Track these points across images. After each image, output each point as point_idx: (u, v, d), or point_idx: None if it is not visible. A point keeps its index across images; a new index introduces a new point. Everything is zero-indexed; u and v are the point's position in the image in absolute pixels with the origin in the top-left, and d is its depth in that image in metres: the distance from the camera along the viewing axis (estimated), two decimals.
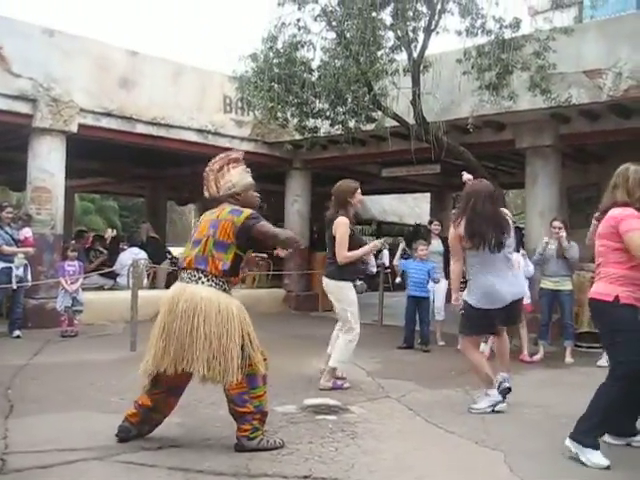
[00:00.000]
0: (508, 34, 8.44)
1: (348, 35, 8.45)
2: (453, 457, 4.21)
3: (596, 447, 4.05)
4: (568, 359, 7.73)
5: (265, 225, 4.14)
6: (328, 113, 9.27)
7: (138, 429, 4.22)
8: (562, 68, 8.37)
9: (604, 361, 7.11)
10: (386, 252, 15.59)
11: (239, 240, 4.06)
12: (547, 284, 8.05)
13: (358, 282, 6.17)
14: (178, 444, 4.20)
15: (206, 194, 4.36)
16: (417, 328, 8.62)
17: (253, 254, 4.47)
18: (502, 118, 9.52)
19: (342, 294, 5.98)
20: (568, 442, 4.14)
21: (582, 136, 9.61)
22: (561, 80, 8.46)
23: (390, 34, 8.76)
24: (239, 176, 4.30)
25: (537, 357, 7.99)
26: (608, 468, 3.95)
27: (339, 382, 6.00)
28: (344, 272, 5.96)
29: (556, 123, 9.45)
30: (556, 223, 7.86)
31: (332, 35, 8.85)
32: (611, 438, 4.46)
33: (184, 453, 4.04)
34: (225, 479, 3.66)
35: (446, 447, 4.42)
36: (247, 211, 4.15)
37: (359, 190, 6.14)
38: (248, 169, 4.41)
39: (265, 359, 4.14)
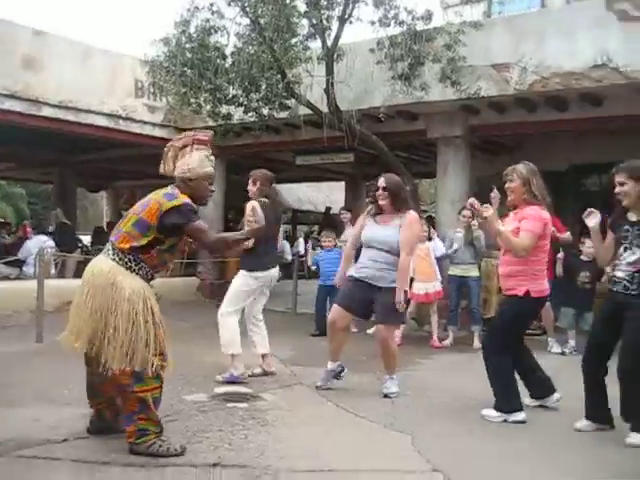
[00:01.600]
0: (420, 26, 8.59)
1: (262, 21, 8.38)
2: (362, 441, 4.28)
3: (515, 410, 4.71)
4: (476, 344, 7.97)
5: (193, 220, 3.90)
6: (242, 100, 9.18)
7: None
8: (472, 61, 8.57)
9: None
10: (301, 240, 15.67)
11: (160, 225, 3.84)
12: (455, 271, 8.30)
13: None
14: (85, 436, 4.08)
15: (161, 169, 4.16)
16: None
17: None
18: (414, 108, 9.68)
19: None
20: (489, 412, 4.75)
21: (490, 127, 9.90)
22: (471, 73, 8.66)
23: (304, 22, 8.76)
24: (199, 162, 4.05)
25: (446, 342, 8.23)
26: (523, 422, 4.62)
27: (236, 374, 5.77)
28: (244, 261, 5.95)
29: (466, 114, 9.70)
30: (466, 212, 8.07)
31: (246, 21, 8.76)
32: (529, 400, 5.06)
33: (91, 445, 3.94)
34: (133, 470, 3.60)
35: (355, 432, 4.48)
36: (180, 199, 3.89)
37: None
38: (212, 157, 4.18)
39: (162, 353, 3.81)
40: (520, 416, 4.71)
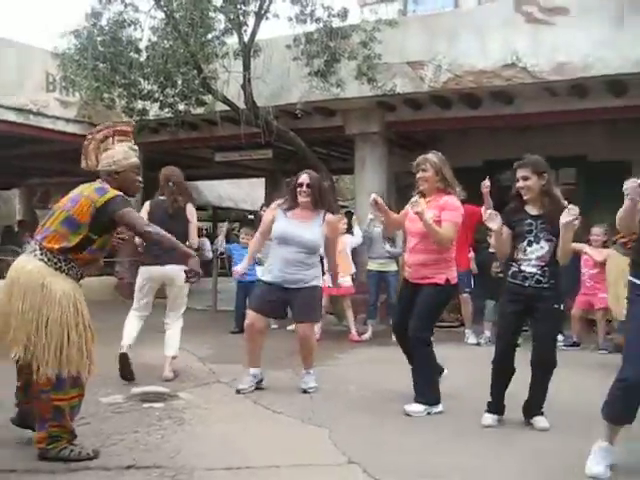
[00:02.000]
0: (336, 23, 8.66)
1: (177, 15, 8.26)
2: (280, 437, 4.28)
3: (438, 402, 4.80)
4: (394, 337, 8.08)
5: (129, 213, 3.77)
6: (157, 95, 9.03)
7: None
8: (387, 58, 8.70)
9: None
10: (221, 237, 15.50)
11: (95, 222, 3.70)
12: (373, 266, 8.42)
13: None
14: None
15: (83, 164, 4.00)
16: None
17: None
18: (331, 105, 9.75)
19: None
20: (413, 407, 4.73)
21: (406, 124, 10.08)
22: (386, 70, 8.79)
23: (221, 17, 8.68)
24: (123, 154, 3.92)
25: (366, 336, 8.32)
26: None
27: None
28: None
29: (382, 111, 9.84)
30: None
31: (161, 15, 8.62)
32: None
33: None
34: (41, 477, 3.48)
35: (273, 427, 4.48)
36: (111, 193, 3.75)
37: None
38: (136, 147, 4.07)
39: (89, 360, 3.69)
40: (440, 407, 4.81)
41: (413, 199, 4.80)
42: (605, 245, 7.50)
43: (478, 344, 7.94)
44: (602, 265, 7.38)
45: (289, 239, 5.30)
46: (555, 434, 4.31)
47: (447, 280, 4.85)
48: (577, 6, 8.04)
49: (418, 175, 4.99)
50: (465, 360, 6.74)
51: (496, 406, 4.59)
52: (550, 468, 3.72)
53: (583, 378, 5.95)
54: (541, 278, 4.39)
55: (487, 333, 7.97)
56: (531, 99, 8.98)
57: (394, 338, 5.31)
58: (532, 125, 10.05)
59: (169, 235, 3.97)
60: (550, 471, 3.69)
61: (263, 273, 5.57)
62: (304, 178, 5.36)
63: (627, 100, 8.63)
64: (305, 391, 5.38)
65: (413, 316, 4.85)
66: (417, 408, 4.76)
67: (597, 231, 7.63)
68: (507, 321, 4.55)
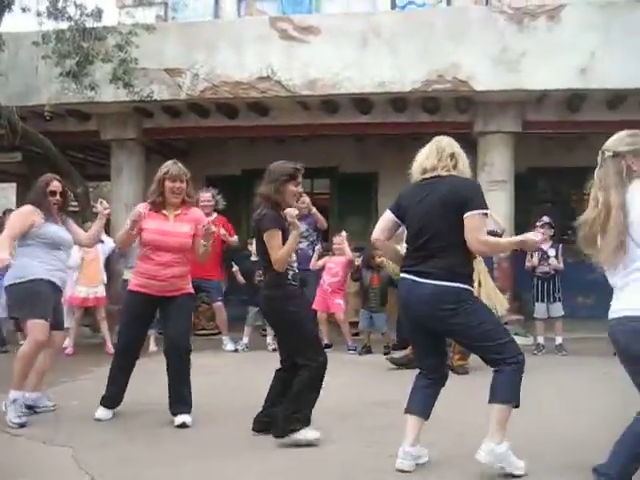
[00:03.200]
0: (90, 23, 8.30)
1: None
2: (21, 461, 3.99)
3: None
4: (152, 347, 7.83)
5: None
6: None
7: None
8: (145, 64, 8.51)
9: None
10: None
11: None
12: (129, 275, 8.10)
13: None
14: None
15: None
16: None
17: None
18: (86, 108, 9.33)
19: None
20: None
21: (165, 131, 9.95)
22: (144, 75, 8.60)
23: None
24: None
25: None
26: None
27: None
28: None
29: (140, 117, 9.63)
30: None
31: None
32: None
33: None
34: None
35: (14, 451, 4.17)
36: None
37: None
38: None
39: None
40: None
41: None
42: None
43: (236, 350, 8.04)
44: (344, 273, 7.93)
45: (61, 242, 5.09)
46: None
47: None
48: (327, 27, 8.53)
49: (176, 185, 4.88)
50: (225, 366, 6.84)
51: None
52: None
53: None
54: None
55: (245, 340, 8.10)
56: (286, 111, 9.34)
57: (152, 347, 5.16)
58: (288, 136, 10.45)
59: None
60: None
61: None
62: (56, 185, 5.09)
63: (372, 117, 9.33)
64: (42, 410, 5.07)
65: (176, 327, 4.81)
66: (188, 419, 4.71)
67: (337, 240, 8.11)
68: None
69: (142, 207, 4.84)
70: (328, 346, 8.02)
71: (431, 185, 3.74)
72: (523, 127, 9.04)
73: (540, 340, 7.87)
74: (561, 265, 7.85)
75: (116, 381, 4.93)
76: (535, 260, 7.89)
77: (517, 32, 8.27)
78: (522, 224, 9.64)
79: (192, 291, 5.00)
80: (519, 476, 3.60)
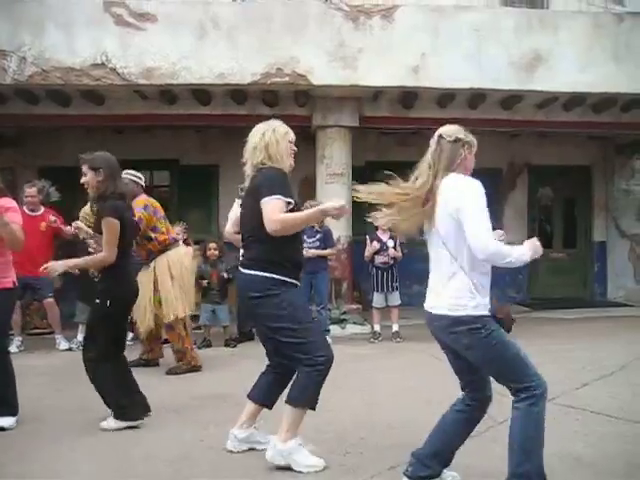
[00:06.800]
0: None
1: None
2: None
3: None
4: None
5: None
6: None
7: None
8: None
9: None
10: None
11: None
12: None
13: None
14: None
15: None
16: None
17: None
18: None
19: None
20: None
21: None
22: None
23: None
24: None
25: None
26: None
27: None
28: None
29: None
30: None
31: None
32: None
33: None
34: None
35: None
36: None
37: None
38: None
39: None
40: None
41: None
42: (187, 242, 7.85)
43: (70, 349, 7.67)
44: None
45: None
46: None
47: (14, 283, 4.62)
48: (164, 15, 8.30)
49: None
50: (57, 368, 6.51)
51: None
52: None
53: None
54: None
55: (79, 337, 7.74)
56: (123, 101, 9.02)
57: None
58: (127, 127, 10.11)
59: None
60: None
61: None
62: None
63: (212, 108, 9.24)
64: None
65: None
66: (9, 421, 4.50)
67: (176, 230, 7.86)
68: None
69: None
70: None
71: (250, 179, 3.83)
72: (360, 122, 9.33)
73: (377, 328, 8.16)
74: (400, 254, 8.16)
75: None
76: (374, 247, 8.12)
77: (353, 29, 8.50)
78: (359, 215, 9.98)
79: (9, 286, 4.57)
80: (306, 473, 3.62)
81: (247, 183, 3.83)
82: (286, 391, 3.75)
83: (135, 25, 8.26)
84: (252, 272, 3.64)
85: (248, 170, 3.82)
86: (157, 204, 6.45)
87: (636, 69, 8.72)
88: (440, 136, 3.23)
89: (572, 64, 8.67)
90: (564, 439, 3.98)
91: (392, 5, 8.72)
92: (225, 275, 7.74)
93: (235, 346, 7.57)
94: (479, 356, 3.08)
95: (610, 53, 8.76)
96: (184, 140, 10.80)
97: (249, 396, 3.94)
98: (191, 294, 6.55)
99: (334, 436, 4.21)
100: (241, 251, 4.06)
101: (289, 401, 3.63)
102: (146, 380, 4.96)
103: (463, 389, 3.29)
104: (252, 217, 3.68)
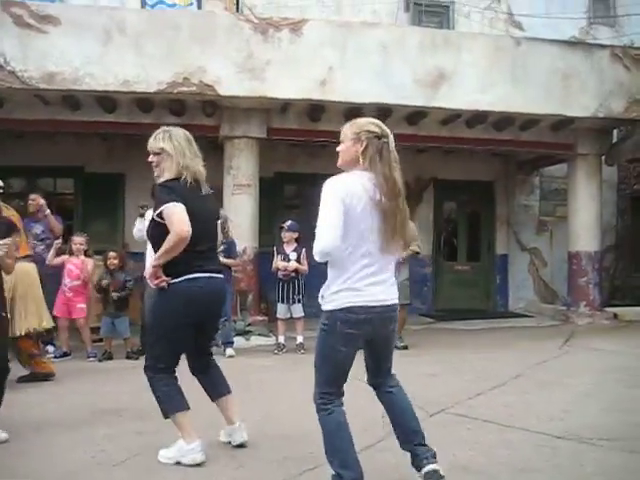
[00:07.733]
0: None
1: None
2: None
3: None
4: None
5: None
6: None
7: None
8: None
9: None
10: None
11: None
12: None
13: None
14: None
15: None
16: None
17: None
18: None
19: None
20: None
21: None
22: None
23: None
24: None
25: None
26: None
27: None
28: None
29: None
30: None
31: None
32: None
33: None
34: None
35: None
36: None
37: None
38: None
39: None
40: None
41: None
42: (87, 254, 7.65)
43: None
44: (85, 278, 7.56)
45: None
46: None
47: None
48: (68, 18, 8.11)
49: None
50: None
51: None
52: None
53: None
54: None
55: None
56: (24, 105, 8.72)
57: None
58: (28, 132, 9.76)
59: None
60: None
61: None
62: None
63: (117, 116, 9.05)
64: None
65: None
66: None
67: (78, 240, 7.68)
68: None
69: None
70: (67, 354, 7.64)
71: None
72: (268, 134, 9.35)
73: (281, 340, 8.15)
74: (304, 267, 8.09)
75: None
76: (278, 262, 8.11)
77: (262, 42, 8.53)
78: (268, 227, 10.00)
79: None
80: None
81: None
82: None
83: (36, 27, 8.03)
84: None
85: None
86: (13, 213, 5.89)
87: (531, 90, 9.13)
88: (368, 132, 3.20)
89: (473, 83, 9.00)
90: (453, 448, 4.08)
91: (301, 19, 8.81)
92: (126, 285, 7.58)
93: (137, 358, 7.39)
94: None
95: (508, 74, 9.14)
96: (89, 147, 10.50)
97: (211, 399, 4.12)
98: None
99: (229, 448, 4.17)
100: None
101: None
102: (35, 396, 4.78)
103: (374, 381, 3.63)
104: None
